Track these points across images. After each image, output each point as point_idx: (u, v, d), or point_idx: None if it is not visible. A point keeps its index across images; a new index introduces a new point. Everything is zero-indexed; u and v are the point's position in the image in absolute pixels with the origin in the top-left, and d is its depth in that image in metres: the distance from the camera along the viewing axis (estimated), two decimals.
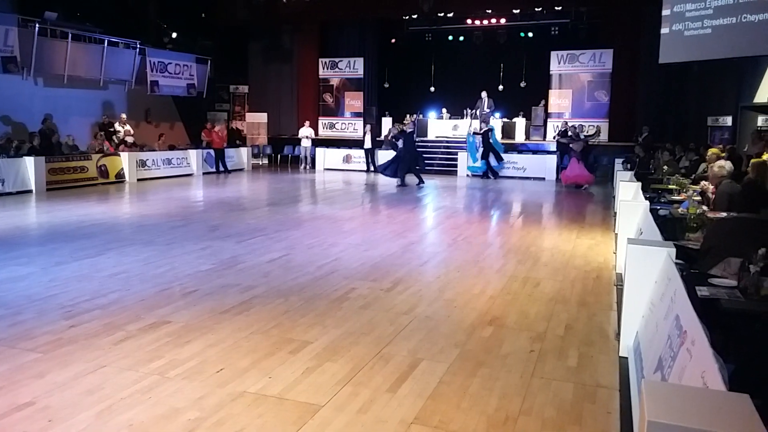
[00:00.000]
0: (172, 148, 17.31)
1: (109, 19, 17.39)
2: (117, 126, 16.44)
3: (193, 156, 17.19)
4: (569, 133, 15.32)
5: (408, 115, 21.19)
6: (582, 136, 15.20)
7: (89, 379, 3.63)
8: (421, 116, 20.72)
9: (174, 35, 20.27)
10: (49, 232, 8.56)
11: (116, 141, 16.00)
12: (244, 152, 19.28)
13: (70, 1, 17.04)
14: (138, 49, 17.73)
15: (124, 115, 16.96)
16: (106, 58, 16.65)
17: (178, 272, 6.20)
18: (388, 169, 14.96)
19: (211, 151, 17.57)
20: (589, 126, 17.55)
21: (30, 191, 12.63)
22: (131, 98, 18.18)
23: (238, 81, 22.41)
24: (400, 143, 14.76)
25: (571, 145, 14.82)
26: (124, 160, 15.05)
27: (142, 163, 15.64)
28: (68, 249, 7.20)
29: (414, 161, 14.87)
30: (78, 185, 13.71)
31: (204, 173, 17.18)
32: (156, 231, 8.50)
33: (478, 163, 16.99)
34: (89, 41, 16.59)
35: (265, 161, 21.33)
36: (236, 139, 21.01)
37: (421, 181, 14.74)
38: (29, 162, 12.77)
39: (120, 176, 14.95)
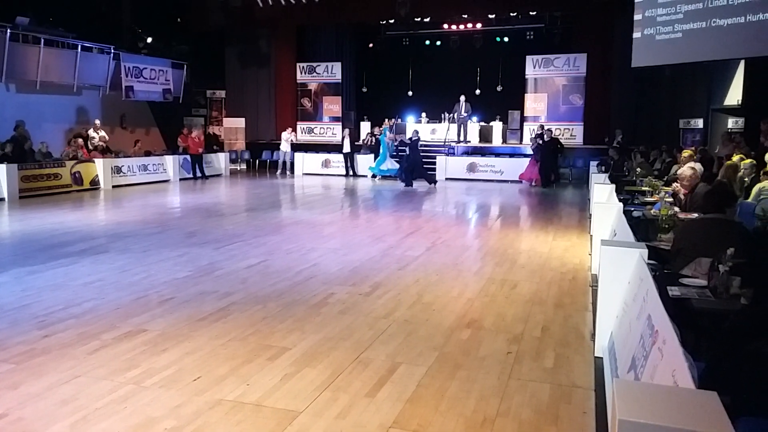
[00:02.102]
0: (148, 154, 17.12)
1: (83, 24, 17.15)
2: (91, 132, 16.21)
3: (170, 162, 17.02)
4: (545, 137, 15.75)
5: (386, 120, 21.28)
6: (544, 138, 15.69)
7: (63, 390, 3.58)
8: (399, 120, 20.80)
9: (149, 40, 20.07)
10: (22, 240, 8.41)
11: (90, 147, 15.78)
12: (221, 158, 19.14)
13: (43, 5, 16.78)
14: (112, 54, 17.53)
15: (98, 121, 16.73)
16: (79, 64, 16.43)
17: (154, 280, 6.14)
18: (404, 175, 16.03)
19: (188, 157, 17.39)
20: (564, 129, 17.79)
21: (2, 199, 12.39)
22: (106, 104, 17.96)
23: (214, 86, 22.24)
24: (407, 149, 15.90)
25: (532, 147, 15.88)
26: (99, 167, 14.85)
27: (118, 170, 15.44)
28: (42, 258, 7.08)
29: (419, 166, 15.98)
30: (52, 193, 13.49)
31: (181, 179, 17.02)
32: (132, 238, 8.40)
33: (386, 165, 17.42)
34: (62, 46, 16.36)
35: (243, 167, 21.20)
36: (213, 144, 20.82)
37: (409, 184, 15.74)
38: (1, 169, 12.52)
39: (95, 183, 14.74)
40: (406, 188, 15.41)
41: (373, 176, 17.59)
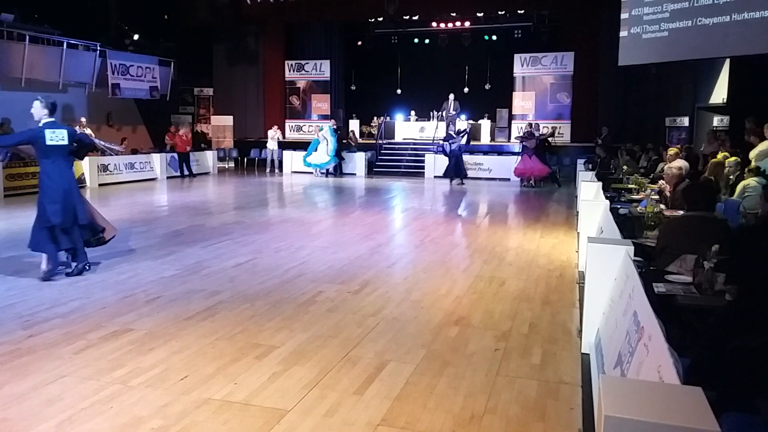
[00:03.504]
0: (135, 152, 16.99)
1: (68, 21, 16.98)
2: (77, 130, 16.05)
3: (157, 160, 16.90)
4: (529, 132, 15.80)
5: (375, 118, 21.29)
6: (537, 135, 15.62)
7: (49, 390, 3.55)
8: (388, 118, 20.80)
9: (136, 37, 19.92)
10: (6, 239, 8.31)
11: None
12: (209, 156, 19.03)
13: (28, 2, 16.60)
14: (98, 51, 17.38)
15: (84, 119, 16.57)
16: (65, 61, 16.28)
17: (141, 279, 6.10)
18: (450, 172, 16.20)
19: (176, 155, 17.28)
20: (543, 126, 17.85)
21: None
22: (92, 101, 17.80)
23: (202, 83, 22.13)
24: (453, 146, 15.97)
25: (524, 143, 15.54)
26: (85, 165, 14.68)
27: (104, 168, 15.30)
28: (26, 257, 7.00)
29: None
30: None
31: (168, 177, 16.90)
32: (118, 237, 8.25)
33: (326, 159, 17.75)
34: (48, 43, 16.20)
35: (231, 165, 21.11)
36: (201, 142, 20.73)
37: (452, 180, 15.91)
38: None
39: (81, 181, 14.54)
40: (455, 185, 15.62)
41: (322, 172, 17.86)
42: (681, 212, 5.05)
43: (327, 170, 17.73)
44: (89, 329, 4.58)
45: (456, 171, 15.97)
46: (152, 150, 17.94)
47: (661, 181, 6.81)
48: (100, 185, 14.80)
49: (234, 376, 3.75)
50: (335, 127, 18.10)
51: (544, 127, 17.25)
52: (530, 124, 16.97)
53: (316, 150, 17.68)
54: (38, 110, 6.26)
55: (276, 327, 4.68)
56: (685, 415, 1.74)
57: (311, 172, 18.03)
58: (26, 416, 3.24)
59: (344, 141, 18.57)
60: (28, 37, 15.24)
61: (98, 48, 17.36)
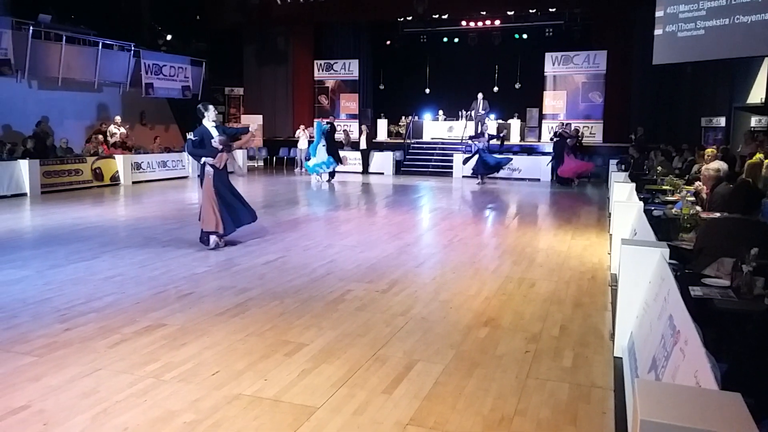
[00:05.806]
0: (167, 150, 17.28)
1: (103, 22, 17.38)
2: (112, 128, 16.41)
3: (189, 158, 17.11)
4: (564, 132, 15.67)
5: (403, 117, 21.27)
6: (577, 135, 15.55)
7: (84, 383, 3.63)
8: (416, 118, 20.78)
9: (168, 37, 20.27)
10: (43, 235, 8.53)
11: (111, 143, 15.99)
12: (239, 154, 19.22)
13: (64, 3, 17.02)
14: (132, 52, 17.71)
15: (118, 118, 16.92)
16: (100, 61, 16.63)
17: (173, 275, 6.19)
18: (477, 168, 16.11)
19: None
20: (584, 127, 17.64)
21: (24, 194, 12.59)
22: (126, 100, 18.15)
23: (233, 83, 22.40)
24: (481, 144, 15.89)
25: (568, 141, 15.42)
26: (119, 163, 15.02)
27: (137, 166, 15.60)
28: (63, 252, 7.18)
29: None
30: (73, 188, 13.68)
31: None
32: (151, 234, 8.48)
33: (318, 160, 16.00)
34: (83, 43, 16.57)
35: (261, 163, 21.31)
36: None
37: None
38: (23, 165, 12.73)
39: (115, 179, 14.92)
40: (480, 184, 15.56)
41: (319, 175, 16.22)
42: (717, 214, 4.93)
43: (330, 173, 16.03)
44: (123, 324, 4.68)
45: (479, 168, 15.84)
46: (184, 148, 18.18)
47: (697, 183, 6.65)
48: (133, 183, 15.10)
49: (264, 373, 3.79)
50: (325, 123, 16.23)
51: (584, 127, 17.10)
52: (562, 124, 16.79)
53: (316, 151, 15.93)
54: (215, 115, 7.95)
55: (305, 325, 4.71)
56: (724, 421, 1.70)
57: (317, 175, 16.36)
58: (63, 408, 3.32)
59: (374, 140, 18.37)
60: (64, 37, 15.62)
61: (132, 48, 17.70)
